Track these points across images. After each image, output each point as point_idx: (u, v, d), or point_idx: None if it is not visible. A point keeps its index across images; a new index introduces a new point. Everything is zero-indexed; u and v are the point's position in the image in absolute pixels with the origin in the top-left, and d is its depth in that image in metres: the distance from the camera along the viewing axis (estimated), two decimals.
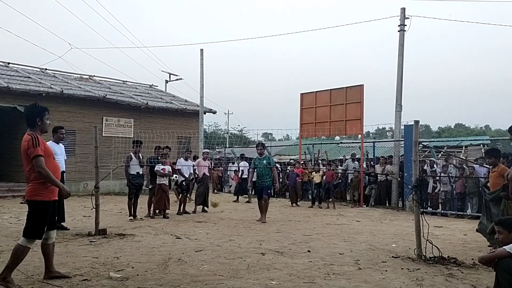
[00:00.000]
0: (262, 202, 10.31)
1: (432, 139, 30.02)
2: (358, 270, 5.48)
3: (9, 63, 19.84)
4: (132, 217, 10.00)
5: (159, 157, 10.84)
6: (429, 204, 12.99)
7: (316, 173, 14.50)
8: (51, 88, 16.99)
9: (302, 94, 16.82)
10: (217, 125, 54.52)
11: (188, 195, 12.22)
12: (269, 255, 6.31)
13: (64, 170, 8.33)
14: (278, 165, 16.37)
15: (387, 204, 14.47)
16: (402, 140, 14.39)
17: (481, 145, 19.55)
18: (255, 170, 10.64)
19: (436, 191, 12.74)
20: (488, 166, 8.20)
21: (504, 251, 3.72)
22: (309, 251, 6.67)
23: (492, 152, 7.59)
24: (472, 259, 6.10)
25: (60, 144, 8.42)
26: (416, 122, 6.65)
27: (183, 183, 11.61)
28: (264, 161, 10.37)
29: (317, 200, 14.37)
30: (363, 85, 14.95)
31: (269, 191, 10.68)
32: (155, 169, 10.58)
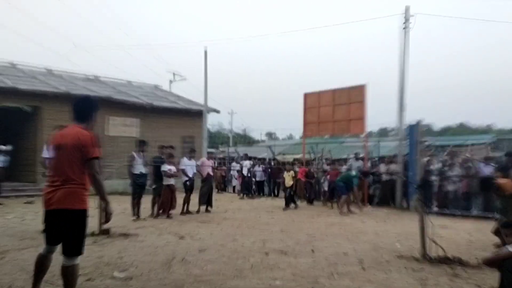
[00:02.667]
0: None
1: (437, 137, 29.93)
2: (362, 270, 5.47)
3: (15, 63, 19.92)
4: (135, 217, 10.02)
5: (163, 157, 10.85)
6: (434, 204, 12.94)
7: (287, 172, 13.85)
8: (57, 88, 17.05)
9: (305, 94, 16.80)
10: (221, 125, 54.61)
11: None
12: (273, 254, 6.31)
13: None
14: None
15: (391, 204, 14.43)
16: (406, 139, 14.33)
17: (485, 143, 19.47)
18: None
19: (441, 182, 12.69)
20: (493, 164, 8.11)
21: (508, 251, 3.70)
22: (312, 250, 6.66)
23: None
24: (477, 258, 6.06)
25: None
26: (418, 122, 6.62)
27: (187, 182, 11.61)
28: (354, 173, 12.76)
29: (290, 201, 13.49)
30: (365, 85, 14.92)
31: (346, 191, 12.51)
32: (162, 169, 10.58)
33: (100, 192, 3.77)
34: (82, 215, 3.72)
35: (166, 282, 4.74)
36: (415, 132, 6.58)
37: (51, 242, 3.79)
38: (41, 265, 3.84)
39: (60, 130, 4.00)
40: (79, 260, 3.75)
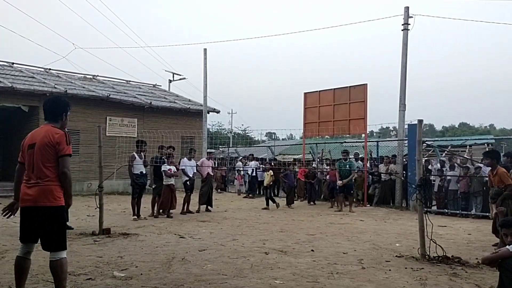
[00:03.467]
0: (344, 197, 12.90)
1: (436, 139, 29.94)
2: (362, 270, 5.48)
3: (13, 63, 19.89)
4: (136, 217, 10.03)
5: (163, 157, 10.86)
6: (433, 204, 12.97)
7: (266, 172, 13.80)
8: (55, 88, 17.04)
9: (305, 94, 16.80)
10: (220, 125, 54.57)
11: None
12: (273, 254, 6.31)
13: None
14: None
15: (391, 204, 14.44)
16: (405, 140, 14.35)
17: (486, 144, 19.47)
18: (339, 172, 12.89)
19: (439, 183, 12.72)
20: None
21: (507, 251, 3.71)
22: (312, 250, 6.67)
23: (490, 153, 7.55)
24: (476, 258, 6.09)
25: None
26: (420, 121, 6.63)
27: (187, 182, 11.62)
28: (347, 166, 12.85)
29: (270, 200, 13.26)
30: (366, 84, 14.92)
31: (351, 189, 13.01)
32: (162, 169, 10.59)
33: (67, 190, 3.86)
34: (58, 211, 3.80)
35: (166, 281, 4.74)
36: (417, 131, 6.56)
37: (26, 240, 3.86)
38: (21, 267, 3.89)
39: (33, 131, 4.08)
40: (64, 254, 3.81)
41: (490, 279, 5.04)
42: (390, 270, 5.47)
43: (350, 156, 14.60)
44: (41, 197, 3.73)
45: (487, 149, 18.01)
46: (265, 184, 13.83)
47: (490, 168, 7.49)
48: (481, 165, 11.88)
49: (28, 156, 3.87)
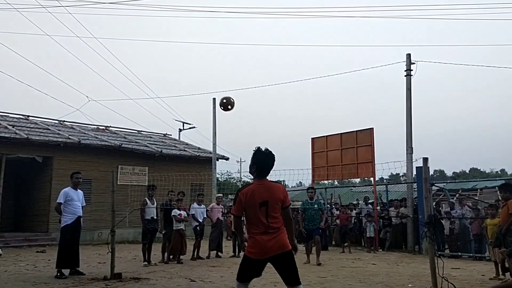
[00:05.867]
0: (312, 243, 10.69)
1: (447, 181, 29.73)
2: None
3: (28, 116, 20.53)
4: (146, 262, 10.03)
5: (173, 202, 10.99)
6: (446, 247, 12.80)
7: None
8: (69, 138, 17.49)
9: (313, 139, 17.06)
10: (229, 174, 54.65)
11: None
12: None
13: (81, 215, 8.53)
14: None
15: (403, 248, 14.26)
16: (415, 182, 14.37)
17: (497, 187, 19.33)
18: (304, 214, 11.03)
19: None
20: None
21: None
22: None
23: (506, 186, 7.48)
24: None
25: (78, 190, 8.60)
26: (425, 159, 6.75)
27: (197, 227, 11.65)
28: (316, 205, 10.87)
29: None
30: (372, 128, 15.18)
31: (320, 232, 10.94)
32: (172, 214, 10.70)
33: (293, 232, 4.42)
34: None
35: None
36: (423, 170, 6.68)
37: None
38: None
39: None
40: None
41: None
42: None
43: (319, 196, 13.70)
44: None
45: (498, 193, 17.93)
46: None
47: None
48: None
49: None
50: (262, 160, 4.29)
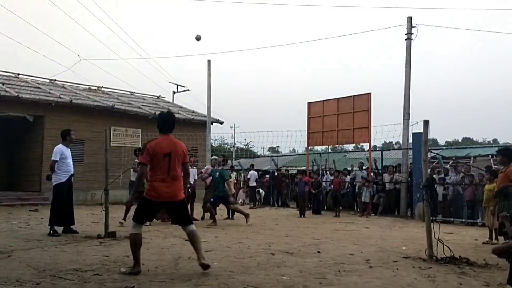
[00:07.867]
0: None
1: (442, 147, 29.85)
2: (369, 268, 5.45)
3: (19, 74, 20.04)
4: (123, 221, 9.98)
5: None
6: (439, 212, 12.89)
7: None
8: (60, 98, 17.16)
9: (309, 103, 16.87)
10: (223, 139, 54.54)
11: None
12: (279, 255, 6.28)
13: (73, 173, 8.40)
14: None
15: (396, 213, 14.37)
16: (410, 149, 14.34)
17: (490, 155, 19.41)
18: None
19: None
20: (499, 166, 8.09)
21: None
22: (319, 252, 6.64)
23: (504, 151, 7.39)
24: (484, 260, 6.03)
25: (68, 147, 8.40)
26: (426, 121, 6.65)
27: (189, 189, 11.58)
28: (217, 173, 10.96)
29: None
30: (370, 93, 14.99)
31: (217, 199, 10.99)
32: None
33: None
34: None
35: (173, 276, 4.73)
36: (419, 141, 6.57)
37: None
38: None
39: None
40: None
41: (499, 277, 5.00)
42: (397, 269, 5.43)
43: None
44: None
45: (491, 161, 18.02)
46: None
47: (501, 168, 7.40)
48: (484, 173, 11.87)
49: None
50: (165, 118, 5.15)
